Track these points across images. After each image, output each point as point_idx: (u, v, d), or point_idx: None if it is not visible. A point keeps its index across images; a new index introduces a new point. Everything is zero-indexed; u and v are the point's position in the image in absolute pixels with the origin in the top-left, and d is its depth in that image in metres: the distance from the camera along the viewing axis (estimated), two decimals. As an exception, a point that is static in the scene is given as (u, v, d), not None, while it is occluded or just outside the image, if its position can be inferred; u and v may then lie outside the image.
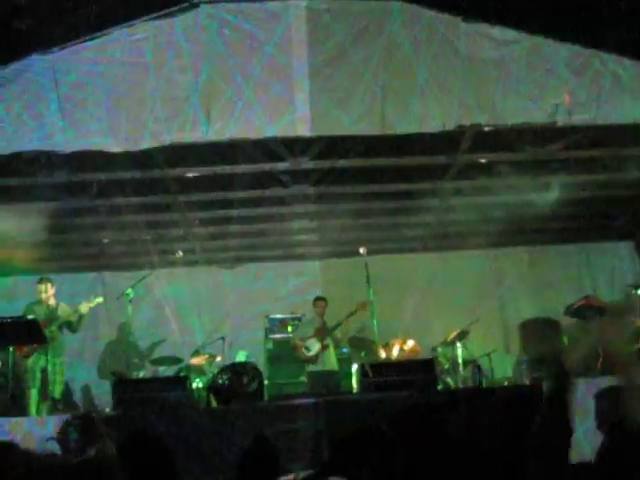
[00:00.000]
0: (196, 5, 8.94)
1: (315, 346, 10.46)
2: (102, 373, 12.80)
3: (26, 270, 12.64)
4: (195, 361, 11.40)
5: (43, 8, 8.13)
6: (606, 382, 6.14)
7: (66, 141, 8.73)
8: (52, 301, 9.65)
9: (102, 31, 8.88)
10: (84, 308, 9.47)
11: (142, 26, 8.93)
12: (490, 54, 9.01)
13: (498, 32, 9.04)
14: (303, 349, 10.49)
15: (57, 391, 9.22)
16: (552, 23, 8.71)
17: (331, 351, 10.63)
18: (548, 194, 11.08)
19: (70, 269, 13.75)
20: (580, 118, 9.02)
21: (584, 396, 5.45)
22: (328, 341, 10.56)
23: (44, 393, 9.14)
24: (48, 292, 9.64)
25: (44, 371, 9.16)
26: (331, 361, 10.63)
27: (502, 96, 8.95)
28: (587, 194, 11.89)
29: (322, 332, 10.57)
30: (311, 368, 10.51)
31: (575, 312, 10.70)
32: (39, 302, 9.68)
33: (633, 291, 10.80)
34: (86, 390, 13.17)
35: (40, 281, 9.78)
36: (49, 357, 9.14)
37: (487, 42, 9.03)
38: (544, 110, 8.95)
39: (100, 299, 9.72)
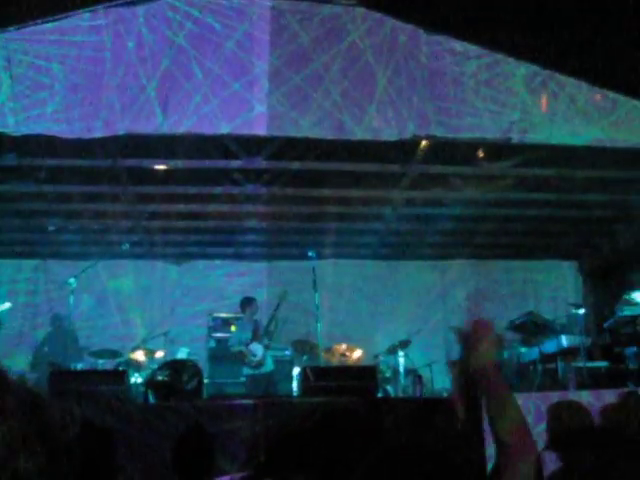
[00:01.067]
0: (151, -2, 8.84)
1: (259, 349, 10.42)
2: (39, 363, 12.54)
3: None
4: (135, 356, 11.24)
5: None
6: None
7: (16, 123, 8.52)
8: None
9: (62, 14, 8.71)
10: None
11: (103, 12, 8.76)
12: (450, 67, 9.06)
13: (459, 46, 9.10)
14: (250, 355, 10.44)
15: None
16: (513, 42, 8.80)
17: (268, 352, 10.63)
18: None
19: (12, 255, 13.49)
20: (534, 137, 9.14)
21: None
22: (266, 340, 10.55)
23: None
24: None
25: None
26: (269, 362, 10.63)
27: (459, 109, 9.01)
28: (536, 212, 12.09)
29: (259, 332, 10.55)
30: (249, 371, 10.47)
31: (517, 327, 10.85)
32: None
33: (573, 310, 10.97)
34: (22, 380, 12.86)
35: None
36: None
37: (448, 55, 9.09)
38: (499, 126, 9.04)
39: (8, 305, 9.40)
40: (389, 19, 9.05)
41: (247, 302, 10.98)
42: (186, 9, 8.84)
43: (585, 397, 7.18)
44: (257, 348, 10.43)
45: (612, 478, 2.47)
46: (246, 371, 10.53)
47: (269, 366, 10.57)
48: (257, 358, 10.38)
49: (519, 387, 10.97)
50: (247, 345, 10.51)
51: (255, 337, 10.53)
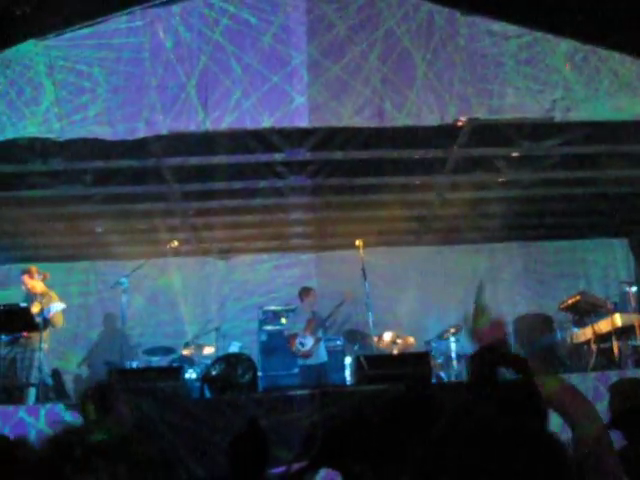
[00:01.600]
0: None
1: (309, 341, 10.43)
2: (95, 363, 12.77)
3: (21, 258, 12.64)
4: (188, 352, 11.38)
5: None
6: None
7: (61, 128, 8.66)
8: (39, 290, 9.50)
9: (99, 18, 8.82)
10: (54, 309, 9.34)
11: (140, 13, 8.87)
12: (489, 48, 8.97)
13: (497, 26, 9.01)
14: (297, 344, 10.45)
15: (33, 377, 9.07)
16: (552, 19, 8.67)
17: (322, 344, 10.63)
18: None
19: (64, 258, 13.71)
20: (578, 114, 9.00)
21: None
22: (320, 334, 10.55)
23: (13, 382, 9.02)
24: (28, 283, 9.52)
25: (12, 362, 9.02)
26: (322, 354, 10.62)
27: (500, 90, 8.92)
28: (582, 191, 11.91)
29: (314, 324, 10.54)
30: (303, 362, 10.49)
31: (569, 308, 10.71)
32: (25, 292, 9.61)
33: (626, 288, 10.80)
34: (78, 380, 13.14)
35: (22, 272, 9.72)
36: (20, 348, 9.01)
37: (486, 36, 8.99)
38: (542, 105, 8.93)
39: (63, 305, 9.56)
40: (425, 3, 8.99)
41: (305, 292, 10.97)
42: (221, 5, 8.90)
43: (643, 375, 7.07)
44: (307, 339, 10.44)
45: None
46: (300, 362, 10.56)
47: (322, 357, 10.57)
48: (305, 348, 10.38)
49: (574, 368, 10.87)
50: (298, 334, 10.53)
51: (307, 327, 10.54)
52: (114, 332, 12.48)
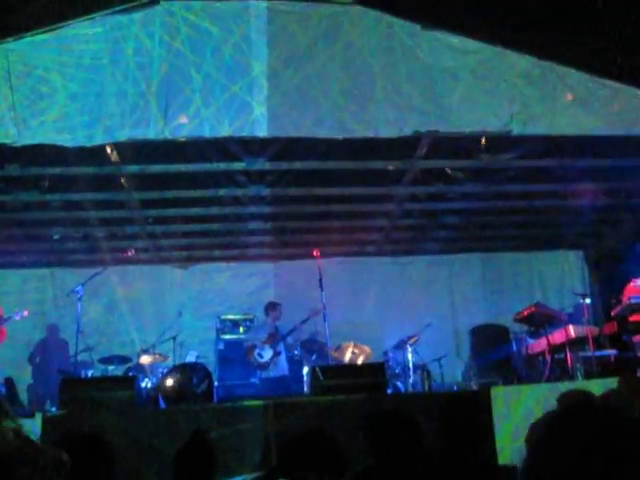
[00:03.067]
0: (156, 1, 8.86)
1: (268, 352, 10.44)
2: (49, 371, 12.58)
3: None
4: (144, 360, 11.28)
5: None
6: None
7: (18, 134, 8.56)
8: None
9: (59, 23, 8.74)
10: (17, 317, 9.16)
11: (101, 20, 8.81)
12: (449, 62, 9.08)
13: (456, 41, 9.11)
14: (255, 355, 10.45)
15: None
16: (510, 34, 8.80)
17: (282, 357, 10.62)
18: None
19: (19, 265, 13.53)
20: (534, 129, 9.14)
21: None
22: (281, 347, 10.56)
23: None
24: None
25: None
26: (282, 366, 10.61)
27: (459, 104, 9.02)
28: (539, 203, 12.09)
29: (275, 338, 10.56)
30: (265, 374, 10.49)
31: (524, 319, 10.85)
32: None
33: (580, 300, 10.96)
34: (32, 388, 12.95)
35: None
36: None
37: (446, 50, 9.09)
38: (500, 120, 9.05)
39: (26, 313, 9.37)
40: (386, 16, 9.07)
41: (272, 306, 11.01)
42: (183, 14, 8.87)
43: (594, 386, 7.18)
44: (266, 350, 10.45)
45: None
46: (261, 374, 10.56)
47: (282, 370, 10.57)
48: (263, 359, 10.40)
49: (529, 379, 10.99)
50: (257, 345, 10.52)
51: (268, 340, 10.55)
52: (70, 340, 12.33)
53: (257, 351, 10.45)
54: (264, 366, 10.39)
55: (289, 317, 11.24)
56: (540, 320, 10.38)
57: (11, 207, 11.22)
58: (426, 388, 10.61)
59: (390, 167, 10.52)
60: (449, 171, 10.77)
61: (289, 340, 10.68)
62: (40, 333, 13.27)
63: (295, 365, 11.60)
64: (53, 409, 9.26)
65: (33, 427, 6.10)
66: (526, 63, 9.15)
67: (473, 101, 9.08)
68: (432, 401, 6.80)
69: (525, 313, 10.57)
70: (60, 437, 4.74)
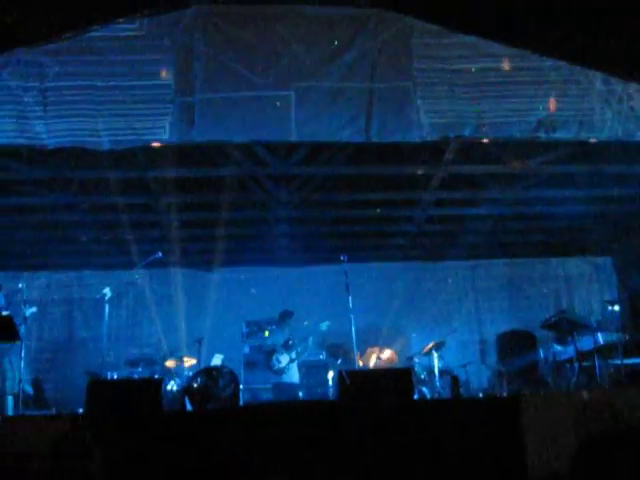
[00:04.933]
0: (186, 5, 8.91)
1: (285, 358, 10.46)
2: (76, 373, 12.68)
3: (4, 266, 12.57)
4: (171, 363, 11.32)
5: (30, 2, 8.05)
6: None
7: (48, 137, 8.64)
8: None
9: (88, 27, 8.81)
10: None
11: (129, 24, 8.88)
12: (476, 66, 9.04)
13: (485, 45, 9.07)
14: (274, 360, 10.48)
15: (9, 386, 8.93)
16: (539, 38, 8.74)
17: (295, 364, 10.64)
18: None
19: (48, 266, 13.66)
20: (562, 134, 9.07)
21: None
22: (294, 355, 10.57)
23: None
24: None
25: None
26: (295, 374, 10.63)
27: (486, 108, 8.98)
28: (567, 209, 11.98)
29: (289, 345, 10.58)
30: (277, 379, 10.52)
31: (552, 326, 10.74)
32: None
33: (609, 307, 10.86)
34: (59, 389, 13.05)
35: None
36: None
37: (473, 54, 9.06)
38: (528, 124, 8.99)
39: (34, 309, 9.42)
40: (412, 20, 9.05)
41: (284, 315, 11.03)
42: (211, 18, 8.94)
43: (622, 394, 7.10)
44: (283, 356, 10.47)
45: None
46: (272, 379, 10.58)
47: (293, 377, 10.57)
48: (280, 365, 10.43)
49: (555, 386, 10.89)
50: (276, 350, 10.55)
51: (285, 346, 10.57)
52: (96, 342, 12.41)
53: (275, 356, 10.48)
54: (279, 372, 10.44)
55: (314, 321, 11.24)
56: (568, 327, 10.26)
57: (40, 209, 11.32)
58: (454, 394, 10.53)
59: (418, 172, 10.49)
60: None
61: (300, 348, 10.68)
62: (67, 335, 13.38)
63: (320, 369, 11.60)
64: (80, 410, 9.32)
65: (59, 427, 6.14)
66: (554, 67, 9.08)
67: (501, 106, 9.03)
68: (461, 407, 6.75)
69: (552, 320, 10.46)
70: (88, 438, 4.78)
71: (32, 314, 9.20)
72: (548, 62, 9.08)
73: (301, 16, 8.99)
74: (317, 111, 8.84)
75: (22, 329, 8.50)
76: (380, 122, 8.84)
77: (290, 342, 10.63)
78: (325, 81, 8.87)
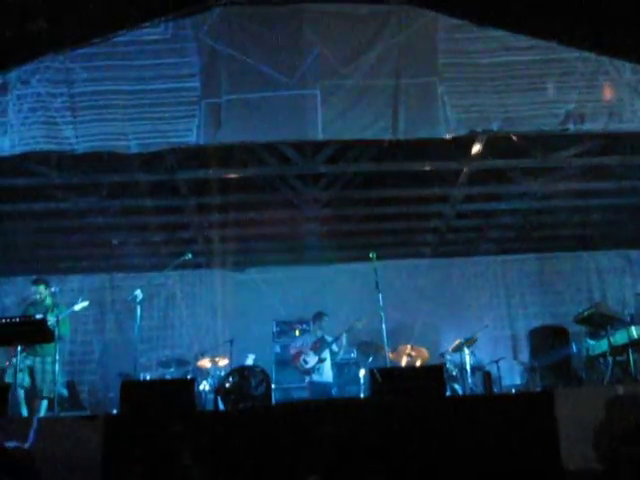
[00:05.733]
0: (208, 7, 8.96)
1: (313, 359, 10.48)
2: (110, 374, 12.80)
3: (37, 270, 12.69)
4: (202, 363, 11.38)
5: (56, 10, 8.15)
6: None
7: (77, 141, 8.73)
8: (49, 301, 9.48)
9: (114, 32, 8.90)
10: (77, 307, 9.34)
11: (153, 28, 8.95)
12: (503, 59, 8.98)
13: (511, 38, 9.02)
14: (302, 360, 10.51)
15: (46, 390, 9.04)
16: (567, 30, 8.67)
17: (327, 363, 10.62)
18: None
19: (80, 270, 13.79)
20: (591, 126, 8.97)
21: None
22: (325, 354, 10.57)
23: (32, 392, 9.01)
24: (42, 293, 9.48)
25: (32, 371, 9.02)
26: (327, 373, 10.62)
27: (514, 102, 8.92)
28: (598, 202, 11.87)
29: (320, 345, 10.58)
30: (310, 378, 10.53)
31: (584, 320, 10.62)
32: (34, 302, 9.54)
33: (644, 299, 10.74)
34: (92, 391, 13.19)
35: (35, 282, 9.62)
36: (37, 357, 9.01)
37: (500, 48, 9.00)
38: (555, 117, 8.91)
39: (86, 303, 9.54)
40: (437, 15, 9.01)
41: (316, 316, 11.03)
42: (234, 18, 9.00)
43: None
44: (310, 356, 10.49)
45: None
46: (307, 377, 10.60)
47: (326, 377, 10.57)
48: (308, 365, 10.45)
49: (589, 381, 10.79)
50: (303, 351, 10.56)
51: (313, 347, 10.59)
52: (129, 344, 12.51)
53: (303, 357, 10.51)
54: (308, 372, 10.46)
55: (344, 320, 11.22)
56: (601, 321, 10.13)
57: (71, 214, 11.44)
58: (486, 390, 10.47)
59: (445, 168, 10.44)
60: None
61: (335, 347, 10.67)
62: (100, 337, 13.51)
63: (351, 367, 11.59)
64: (114, 411, 9.40)
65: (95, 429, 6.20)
66: (582, 59, 8.99)
67: (528, 99, 8.96)
68: (493, 404, 6.71)
69: (585, 314, 10.33)
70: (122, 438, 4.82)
71: (83, 308, 9.32)
72: (575, 53, 8.99)
73: (325, 14, 9.00)
74: (343, 109, 8.84)
75: (56, 332, 8.59)
76: (406, 119, 8.81)
77: (319, 343, 10.63)
78: (350, 79, 8.87)
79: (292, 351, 10.86)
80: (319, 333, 10.84)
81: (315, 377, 10.45)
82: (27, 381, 9.00)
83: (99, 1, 8.28)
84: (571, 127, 8.89)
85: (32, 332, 8.17)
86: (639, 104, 8.92)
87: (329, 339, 10.71)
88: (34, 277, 9.88)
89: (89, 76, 8.86)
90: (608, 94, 8.92)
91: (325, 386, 10.48)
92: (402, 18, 9.01)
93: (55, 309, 9.25)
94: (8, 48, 8.49)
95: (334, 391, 10.88)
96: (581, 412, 5.92)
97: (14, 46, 8.49)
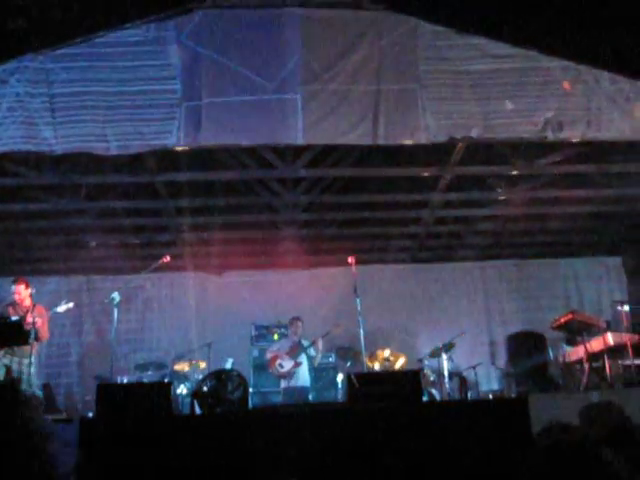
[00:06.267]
0: (189, 10, 8.94)
1: (288, 363, 10.47)
2: (86, 377, 12.72)
3: (14, 271, 12.61)
4: (179, 367, 11.35)
5: (36, 9, 8.09)
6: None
7: (56, 142, 8.68)
8: (28, 302, 9.34)
9: (95, 33, 8.86)
10: (60, 309, 9.27)
11: (135, 29, 8.92)
12: (483, 67, 9.02)
13: (492, 46, 9.06)
14: (277, 365, 10.50)
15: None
16: (544, 38, 8.73)
17: (304, 368, 10.62)
18: None
19: (56, 271, 13.70)
20: (570, 134, 9.03)
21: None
22: (302, 358, 10.56)
23: None
24: (22, 293, 9.32)
25: (8, 371, 8.88)
26: (304, 377, 10.61)
27: (494, 109, 8.96)
28: (576, 209, 11.95)
29: (296, 350, 10.58)
30: (285, 383, 10.52)
31: (561, 326, 10.70)
32: (13, 303, 9.38)
33: (619, 307, 10.81)
34: (69, 393, 13.10)
35: (15, 281, 9.46)
36: (15, 357, 8.89)
37: (480, 55, 9.05)
38: (535, 124, 8.96)
39: (71, 304, 9.46)
40: (417, 22, 9.05)
41: (292, 321, 11.03)
42: (216, 21, 8.97)
43: (634, 395, 7.08)
44: (286, 361, 10.48)
45: None
46: (282, 383, 10.59)
47: (303, 381, 10.56)
48: (283, 370, 10.45)
49: (566, 387, 10.85)
50: (279, 356, 10.55)
51: (289, 352, 10.58)
52: (105, 347, 12.44)
53: (279, 361, 10.50)
54: (284, 376, 10.45)
55: (322, 324, 11.23)
56: (577, 327, 10.22)
57: (49, 215, 11.37)
58: (462, 396, 10.52)
59: (425, 174, 10.48)
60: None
61: (312, 352, 10.66)
62: (77, 339, 13.43)
63: (329, 372, 11.60)
64: (90, 414, 9.34)
65: (71, 431, 6.16)
66: (561, 67, 9.06)
67: (508, 106, 9.00)
68: (469, 409, 6.74)
69: (562, 320, 10.41)
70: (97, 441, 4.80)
71: (67, 310, 9.25)
72: (554, 62, 9.06)
73: (306, 19, 9.01)
74: (324, 114, 8.84)
75: (32, 333, 8.51)
76: (387, 124, 8.83)
77: (295, 347, 10.62)
78: (331, 84, 8.87)
79: (268, 355, 10.85)
80: (295, 338, 10.84)
81: (291, 382, 10.45)
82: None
83: (80, 1, 8.25)
84: (550, 135, 8.94)
85: (7, 333, 8.10)
86: (616, 113, 9.00)
87: (305, 343, 10.71)
88: (14, 277, 9.75)
89: (69, 77, 8.80)
90: (637, 112, 8.97)
91: (301, 391, 10.47)
92: (384, 24, 9.03)
93: (34, 310, 9.10)
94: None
95: (312, 396, 10.88)
96: (556, 418, 5.95)
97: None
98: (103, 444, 6.12)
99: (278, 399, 10.86)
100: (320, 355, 10.90)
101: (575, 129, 8.98)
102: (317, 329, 10.97)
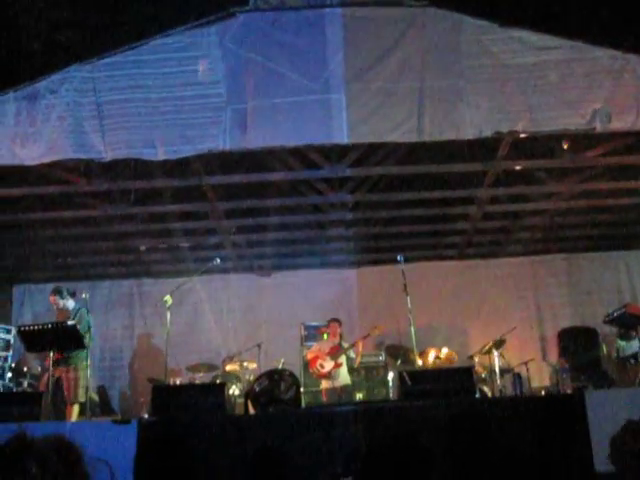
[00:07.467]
0: (232, 14, 9.02)
1: (329, 364, 10.49)
2: (139, 380, 12.91)
3: (66, 277, 12.84)
4: (231, 368, 11.44)
5: (82, 20, 8.25)
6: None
7: (105, 149, 8.82)
8: (66, 309, 9.24)
9: (139, 41, 9.00)
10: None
11: (178, 36, 9.03)
12: (527, 60, 8.93)
13: (535, 38, 8.97)
14: (318, 365, 10.53)
15: (81, 396, 8.90)
16: (592, 27, 8.61)
17: (344, 368, 10.62)
18: None
19: (108, 276, 13.93)
20: (618, 124, 8.89)
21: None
22: (342, 359, 10.57)
23: (60, 399, 8.92)
24: (59, 303, 9.30)
25: (58, 378, 8.89)
26: (344, 377, 10.62)
27: (539, 102, 8.86)
28: (626, 201, 11.75)
29: (336, 351, 10.59)
30: (325, 385, 10.55)
31: (614, 321, 10.52)
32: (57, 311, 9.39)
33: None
34: (123, 396, 13.31)
35: (51, 292, 9.46)
36: (62, 365, 8.90)
37: (524, 48, 8.95)
38: (582, 116, 8.84)
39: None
40: (462, 16, 9.00)
41: (329, 323, 11.05)
42: (258, 25, 9.02)
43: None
44: (327, 361, 10.50)
45: None
46: (322, 384, 10.62)
47: (343, 380, 10.57)
48: (324, 370, 10.48)
49: (620, 382, 10.69)
50: (319, 356, 10.58)
51: (329, 352, 10.60)
52: (158, 349, 12.62)
53: (319, 362, 10.53)
54: (325, 376, 10.47)
55: (371, 323, 11.23)
56: (631, 321, 10.04)
57: (99, 221, 11.56)
58: (516, 392, 10.41)
59: (471, 169, 10.41)
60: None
61: (351, 354, 10.66)
62: (129, 342, 13.64)
63: (380, 370, 11.59)
64: (145, 416, 9.47)
65: (129, 433, 6.26)
66: (608, 57, 8.91)
67: (554, 98, 8.90)
68: (525, 405, 6.69)
69: (615, 314, 10.26)
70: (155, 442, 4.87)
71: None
72: (601, 52, 8.92)
73: (348, 18, 9.02)
74: (368, 112, 8.84)
75: (87, 338, 8.64)
76: (431, 121, 8.80)
77: (335, 348, 10.63)
78: (375, 82, 8.87)
79: (309, 356, 10.88)
80: (335, 339, 10.85)
81: (332, 382, 10.46)
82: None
83: (124, 11, 8.39)
84: (598, 126, 8.81)
85: (64, 338, 8.24)
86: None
87: (345, 345, 10.71)
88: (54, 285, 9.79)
89: (115, 84, 8.95)
90: (637, 92, 8.81)
91: (342, 389, 10.49)
92: (426, 21, 9.00)
93: (76, 317, 9.04)
94: (37, 59, 8.60)
95: (361, 395, 10.88)
96: (613, 414, 5.87)
97: (43, 57, 8.60)
98: (161, 444, 6.20)
99: (321, 399, 10.89)
100: (360, 357, 10.91)
101: (624, 119, 8.83)
102: (367, 328, 10.98)
